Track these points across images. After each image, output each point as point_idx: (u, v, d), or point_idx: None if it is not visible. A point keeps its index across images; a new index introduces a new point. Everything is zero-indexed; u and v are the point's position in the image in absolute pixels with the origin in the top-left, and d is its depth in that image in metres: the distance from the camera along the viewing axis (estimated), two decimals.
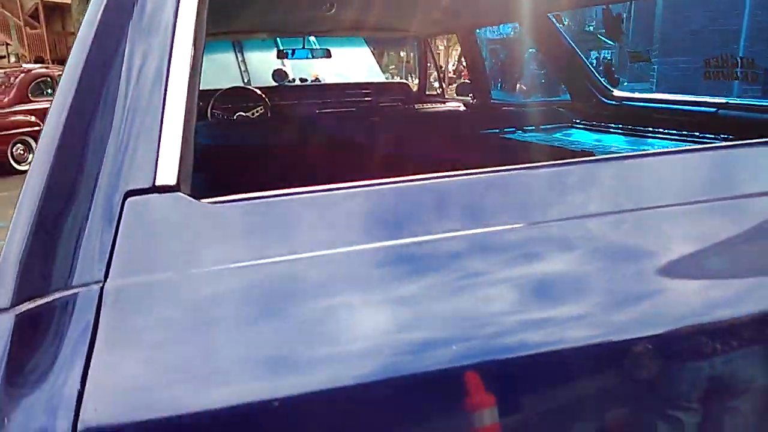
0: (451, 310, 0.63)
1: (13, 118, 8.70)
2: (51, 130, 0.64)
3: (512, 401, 0.65)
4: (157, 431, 0.54)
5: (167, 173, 0.64)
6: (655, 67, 8.12)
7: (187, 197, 0.64)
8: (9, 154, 8.62)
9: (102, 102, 0.67)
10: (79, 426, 0.52)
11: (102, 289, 0.58)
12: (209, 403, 0.56)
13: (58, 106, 0.65)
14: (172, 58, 0.69)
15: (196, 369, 0.57)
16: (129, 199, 0.62)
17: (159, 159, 0.65)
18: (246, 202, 0.67)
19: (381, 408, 0.61)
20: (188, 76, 0.70)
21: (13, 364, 0.54)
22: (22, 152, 8.78)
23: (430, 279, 0.65)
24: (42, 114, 8.86)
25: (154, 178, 0.64)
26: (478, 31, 3.73)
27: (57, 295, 0.57)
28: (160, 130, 0.66)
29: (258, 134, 2.58)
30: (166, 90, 0.68)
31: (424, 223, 0.68)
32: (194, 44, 0.72)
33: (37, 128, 8.76)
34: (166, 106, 0.67)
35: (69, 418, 0.52)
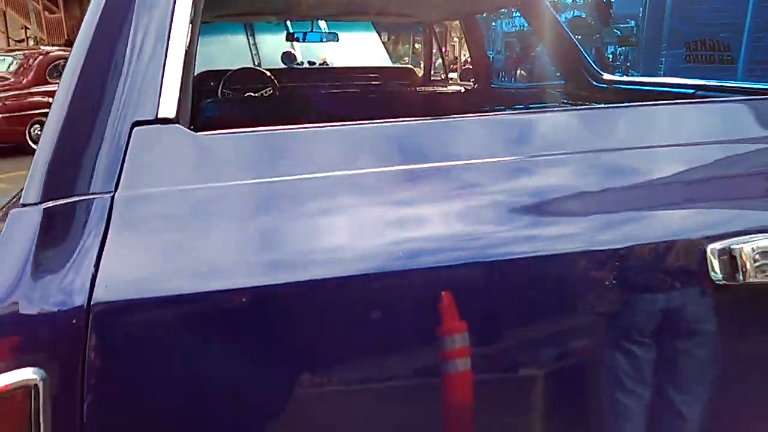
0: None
1: (31, 99, 8.92)
2: (73, 67, 0.77)
3: (492, 301, 0.79)
4: (153, 305, 0.68)
5: (167, 108, 0.78)
6: (663, 60, 8.21)
7: (183, 128, 0.78)
8: (27, 135, 8.85)
9: (116, 49, 0.80)
10: (93, 300, 0.66)
11: (112, 198, 0.72)
12: (197, 286, 0.70)
13: (78, 48, 0.79)
14: (174, 14, 0.83)
15: (185, 258, 0.71)
16: (136, 128, 0.76)
17: (161, 96, 0.78)
18: (233, 135, 0.81)
19: (362, 301, 0.74)
20: (187, 31, 0.84)
21: (41, 248, 0.68)
22: (39, 133, 8.99)
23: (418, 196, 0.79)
24: None
25: (157, 112, 0.77)
26: (494, 24, 3.83)
27: (76, 199, 0.71)
28: (162, 74, 0.80)
29: (264, 110, 2.72)
30: (168, 41, 0.81)
31: (392, 156, 0.82)
32: (194, 2, 0.85)
33: None
34: (168, 54, 0.81)
35: (85, 293, 0.66)
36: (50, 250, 0.68)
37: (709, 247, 0.83)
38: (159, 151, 0.77)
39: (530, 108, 2.59)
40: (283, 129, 0.82)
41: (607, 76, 2.62)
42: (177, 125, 0.78)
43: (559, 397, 0.87)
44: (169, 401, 0.70)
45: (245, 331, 0.72)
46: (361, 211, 0.78)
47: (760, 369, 0.91)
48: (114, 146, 0.75)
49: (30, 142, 8.85)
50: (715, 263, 0.83)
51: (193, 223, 0.74)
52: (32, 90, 9.00)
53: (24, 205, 0.69)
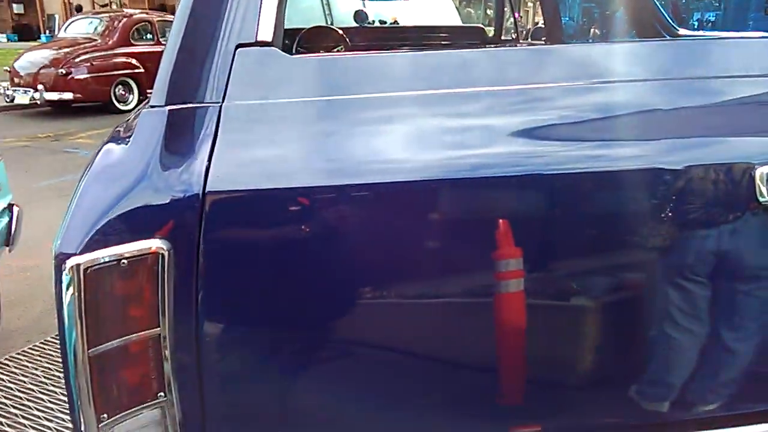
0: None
1: (115, 60, 9.39)
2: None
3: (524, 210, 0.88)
4: (253, 195, 0.82)
5: (265, 33, 0.90)
6: (750, 23, 7.80)
7: (278, 50, 0.90)
8: (112, 94, 9.35)
9: None
10: (208, 187, 0.80)
11: (220, 107, 0.85)
12: (286, 182, 0.82)
13: None
14: None
15: (277, 159, 0.84)
16: (239, 49, 0.88)
17: (260, 23, 0.90)
18: (319, 57, 0.92)
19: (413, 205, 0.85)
20: None
21: (166, 142, 0.82)
22: (123, 93, 9.50)
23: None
24: (141, 57, 9.52)
25: (256, 35, 0.89)
26: None
27: (192, 105, 0.85)
28: (261, 4, 0.92)
29: None
30: None
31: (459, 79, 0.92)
32: None
33: (137, 70, 9.46)
34: None
35: (200, 183, 0.80)
36: (173, 145, 0.82)
37: (758, 171, 0.88)
38: (257, 69, 0.89)
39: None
40: (361, 54, 0.93)
41: (682, 31, 2.58)
42: (273, 47, 0.90)
43: (609, 321, 0.94)
44: (262, 273, 0.84)
45: (323, 224, 0.84)
46: (424, 125, 0.89)
47: None
48: (221, 64, 0.88)
49: (115, 102, 9.35)
50: (764, 187, 0.89)
51: (284, 130, 0.86)
52: (117, 51, 9.45)
53: (152, 107, 0.84)
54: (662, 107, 0.93)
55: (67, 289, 0.75)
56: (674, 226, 0.92)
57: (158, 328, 0.79)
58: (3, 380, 2.62)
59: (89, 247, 0.75)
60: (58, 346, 2.86)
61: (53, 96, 8.99)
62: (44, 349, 2.87)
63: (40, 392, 2.53)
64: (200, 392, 0.83)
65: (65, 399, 2.51)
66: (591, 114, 0.92)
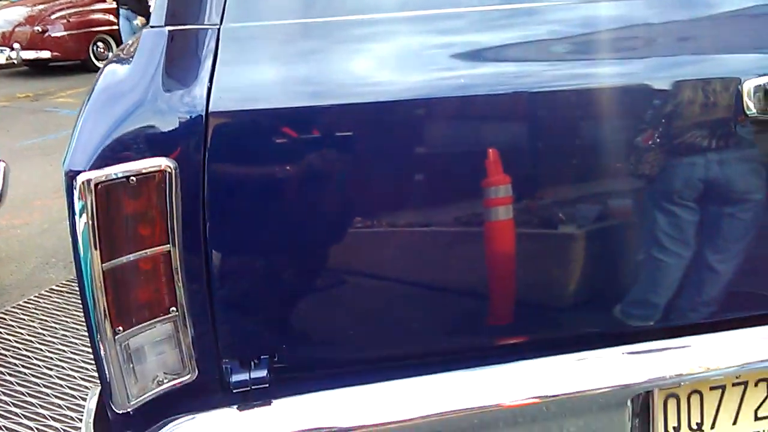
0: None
1: (93, 17, 9.14)
2: None
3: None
4: (255, 114, 0.83)
5: None
6: None
7: None
8: (91, 52, 9.12)
9: None
10: (210, 107, 0.81)
11: (219, 29, 0.86)
12: (285, 101, 0.84)
13: None
14: None
15: (279, 76, 0.85)
16: None
17: None
18: None
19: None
20: None
21: (167, 62, 0.83)
22: (102, 50, 9.26)
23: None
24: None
25: None
26: None
27: (191, 27, 0.85)
28: None
29: None
30: None
31: None
32: None
33: (116, 27, 9.21)
34: None
35: (203, 103, 0.81)
36: (175, 66, 0.83)
37: (745, 84, 0.91)
38: None
39: None
40: None
41: None
42: None
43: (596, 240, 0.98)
44: (265, 191, 0.86)
45: (323, 144, 0.86)
46: (413, 44, 0.91)
47: None
48: None
49: (94, 60, 9.12)
50: (750, 100, 0.92)
51: (284, 51, 0.88)
52: (94, 7, 9.20)
53: (152, 27, 0.84)
54: (651, 22, 0.95)
55: (79, 204, 0.76)
56: (665, 142, 0.95)
57: (168, 245, 0.82)
58: (1, 333, 2.65)
59: (98, 164, 0.77)
60: (53, 299, 2.89)
61: (30, 55, 8.77)
62: (39, 302, 2.90)
63: (38, 343, 2.57)
64: (210, 307, 0.86)
65: (63, 348, 2.55)
66: (579, 30, 0.94)
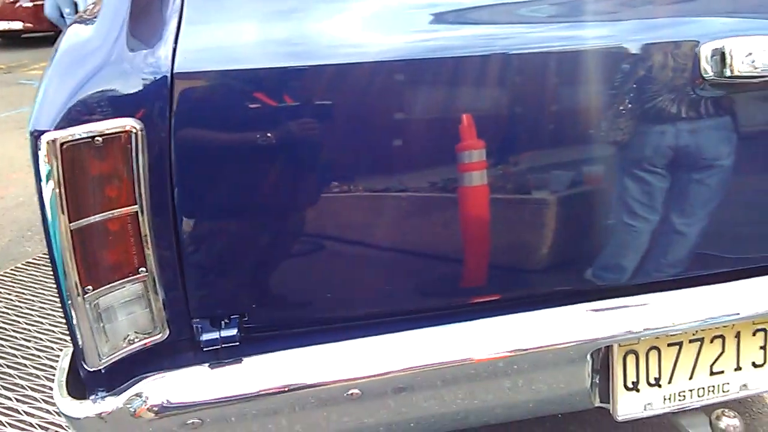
0: None
1: None
2: None
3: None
4: (221, 74, 0.84)
5: None
6: None
7: None
8: None
9: None
10: (176, 68, 0.82)
11: None
12: (251, 62, 0.85)
13: None
14: None
15: (248, 36, 0.85)
16: None
17: None
18: None
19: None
20: None
21: (132, 22, 0.83)
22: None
23: None
24: None
25: None
26: None
27: None
28: None
29: None
30: None
31: None
32: None
33: None
34: None
35: (168, 63, 0.82)
36: (139, 25, 0.83)
37: (702, 47, 0.94)
38: None
39: None
40: None
41: None
42: None
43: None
44: (233, 152, 0.87)
45: (291, 105, 0.87)
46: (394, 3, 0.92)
47: (743, 157, 1.03)
48: None
49: None
50: (707, 63, 0.94)
51: (252, 9, 0.88)
52: None
53: None
54: None
55: (44, 164, 0.77)
56: (624, 107, 0.97)
57: (135, 206, 0.83)
58: None
59: (63, 125, 0.77)
60: (29, 272, 2.88)
61: (1, 25, 8.56)
62: (15, 275, 2.88)
63: (15, 315, 2.56)
64: (180, 268, 0.88)
65: (41, 321, 2.54)
66: None
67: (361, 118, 0.90)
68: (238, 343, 0.91)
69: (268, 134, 0.86)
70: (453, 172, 0.94)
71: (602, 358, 1.07)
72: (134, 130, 0.80)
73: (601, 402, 1.11)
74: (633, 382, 1.09)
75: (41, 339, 2.37)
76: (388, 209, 0.95)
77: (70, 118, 0.77)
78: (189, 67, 0.82)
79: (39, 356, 2.27)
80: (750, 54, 0.92)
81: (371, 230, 0.95)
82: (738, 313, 1.08)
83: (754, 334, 1.13)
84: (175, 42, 0.82)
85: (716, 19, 0.98)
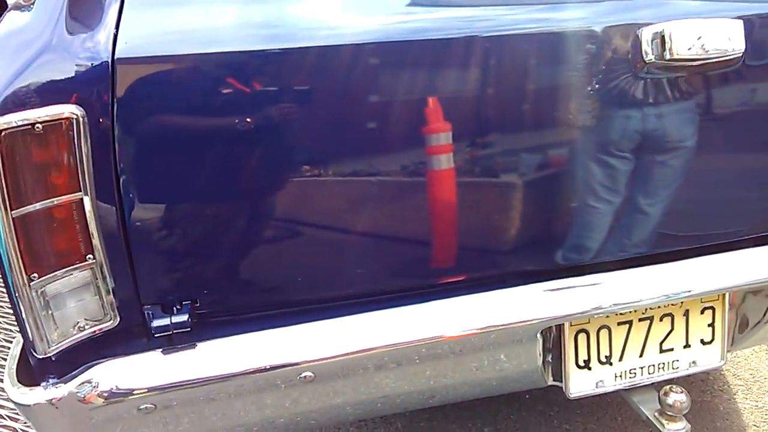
0: None
1: None
2: None
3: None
4: (162, 61, 0.84)
5: None
6: None
7: None
8: None
9: None
10: (117, 53, 0.81)
11: None
12: (194, 48, 0.84)
13: None
14: None
15: (186, 23, 0.86)
16: None
17: None
18: None
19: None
20: None
21: (70, 6, 0.82)
22: None
23: None
24: None
25: None
26: None
27: None
28: None
29: None
30: None
31: None
32: None
33: None
34: None
35: (108, 49, 0.81)
36: (79, 10, 0.83)
37: (643, 31, 0.95)
38: None
39: None
40: None
41: None
42: None
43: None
44: (181, 138, 0.87)
45: (241, 91, 0.87)
46: None
47: (694, 138, 1.05)
48: None
49: None
50: (647, 45, 0.95)
51: None
52: None
53: None
54: None
55: None
56: (569, 91, 0.98)
57: (79, 193, 0.83)
58: None
59: (1, 112, 0.77)
60: None
61: None
62: None
63: None
64: (128, 255, 0.88)
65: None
66: None
67: (306, 102, 0.90)
68: (189, 329, 0.92)
69: (212, 119, 0.86)
70: (421, 155, 0.95)
71: (554, 337, 1.09)
72: (75, 117, 0.80)
73: (554, 380, 1.13)
74: (585, 361, 1.12)
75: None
76: (338, 191, 0.95)
77: (8, 106, 0.77)
78: (131, 53, 0.82)
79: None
80: (692, 37, 0.93)
81: (323, 213, 0.96)
82: (689, 291, 1.10)
83: (702, 312, 1.16)
84: (117, 27, 0.82)
85: (658, 2, 0.99)
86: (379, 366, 0.98)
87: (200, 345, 0.93)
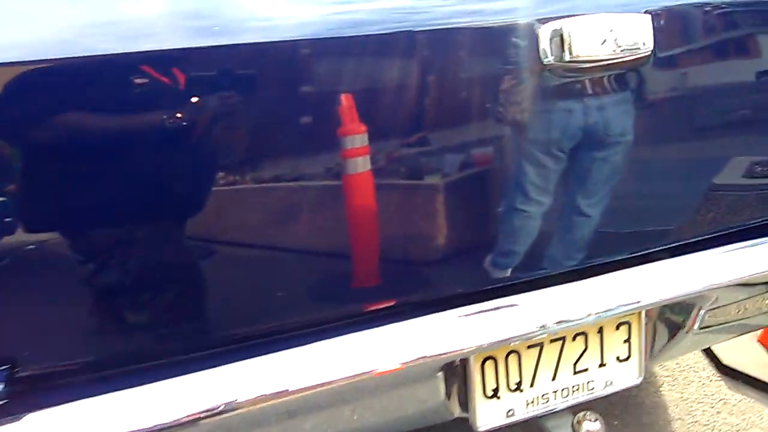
0: None
1: None
2: None
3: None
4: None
5: None
6: None
7: None
8: None
9: None
10: None
11: None
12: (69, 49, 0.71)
13: None
14: None
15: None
16: None
17: None
18: None
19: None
20: None
21: None
22: None
23: None
24: None
25: None
26: None
27: None
28: None
29: None
30: None
31: None
32: None
33: None
34: None
35: None
36: None
37: (541, 29, 0.84)
38: None
39: None
40: None
41: None
42: None
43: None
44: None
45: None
46: None
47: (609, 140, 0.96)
48: None
49: None
50: (546, 46, 0.85)
51: None
52: None
53: None
54: None
55: None
56: (474, 90, 0.88)
57: None
58: None
59: None
60: None
61: None
62: None
63: None
64: None
65: None
66: None
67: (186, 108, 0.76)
68: (6, 401, 0.75)
69: (54, 130, 0.71)
70: (335, 159, 0.83)
71: (457, 368, 0.98)
72: None
73: (462, 412, 1.03)
74: (493, 390, 1.02)
75: None
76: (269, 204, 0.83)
77: None
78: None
79: None
80: (592, 34, 0.83)
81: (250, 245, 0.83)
82: (608, 310, 1.01)
83: (617, 328, 1.08)
84: None
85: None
86: (252, 423, 0.85)
87: (26, 418, 0.76)
